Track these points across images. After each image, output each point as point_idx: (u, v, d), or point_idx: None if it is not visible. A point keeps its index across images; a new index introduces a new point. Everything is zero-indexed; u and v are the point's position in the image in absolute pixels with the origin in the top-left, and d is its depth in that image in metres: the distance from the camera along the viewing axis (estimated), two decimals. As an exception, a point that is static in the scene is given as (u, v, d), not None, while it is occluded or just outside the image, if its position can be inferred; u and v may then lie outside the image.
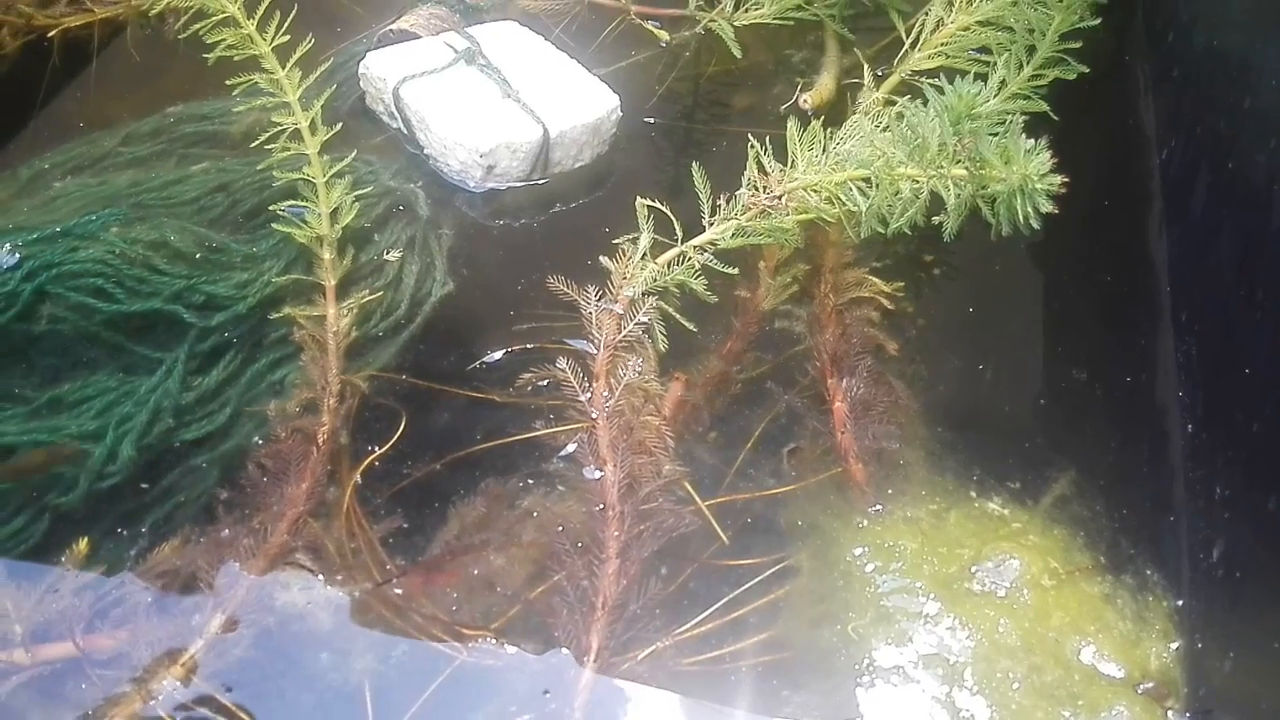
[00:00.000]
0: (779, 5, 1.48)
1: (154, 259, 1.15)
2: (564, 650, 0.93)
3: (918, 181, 1.06)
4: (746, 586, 0.99)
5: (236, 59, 1.22)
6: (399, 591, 0.98)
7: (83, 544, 1.00)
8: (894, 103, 1.21)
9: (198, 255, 1.17)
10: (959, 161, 1.02)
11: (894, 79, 1.39)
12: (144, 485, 1.06)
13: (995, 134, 1.07)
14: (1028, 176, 0.98)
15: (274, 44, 1.21)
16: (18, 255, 1.12)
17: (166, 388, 1.11)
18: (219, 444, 1.10)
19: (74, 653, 0.93)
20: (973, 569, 0.97)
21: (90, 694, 0.91)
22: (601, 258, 1.15)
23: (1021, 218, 0.99)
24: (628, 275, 1.13)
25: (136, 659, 0.92)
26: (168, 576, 0.98)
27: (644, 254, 1.14)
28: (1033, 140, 1.01)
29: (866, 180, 1.11)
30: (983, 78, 1.16)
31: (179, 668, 0.92)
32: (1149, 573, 1.00)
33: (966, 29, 1.38)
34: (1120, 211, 1.35)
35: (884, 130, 1.15)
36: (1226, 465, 0.98)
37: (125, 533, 1.03)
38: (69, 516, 1.03)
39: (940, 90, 1.10)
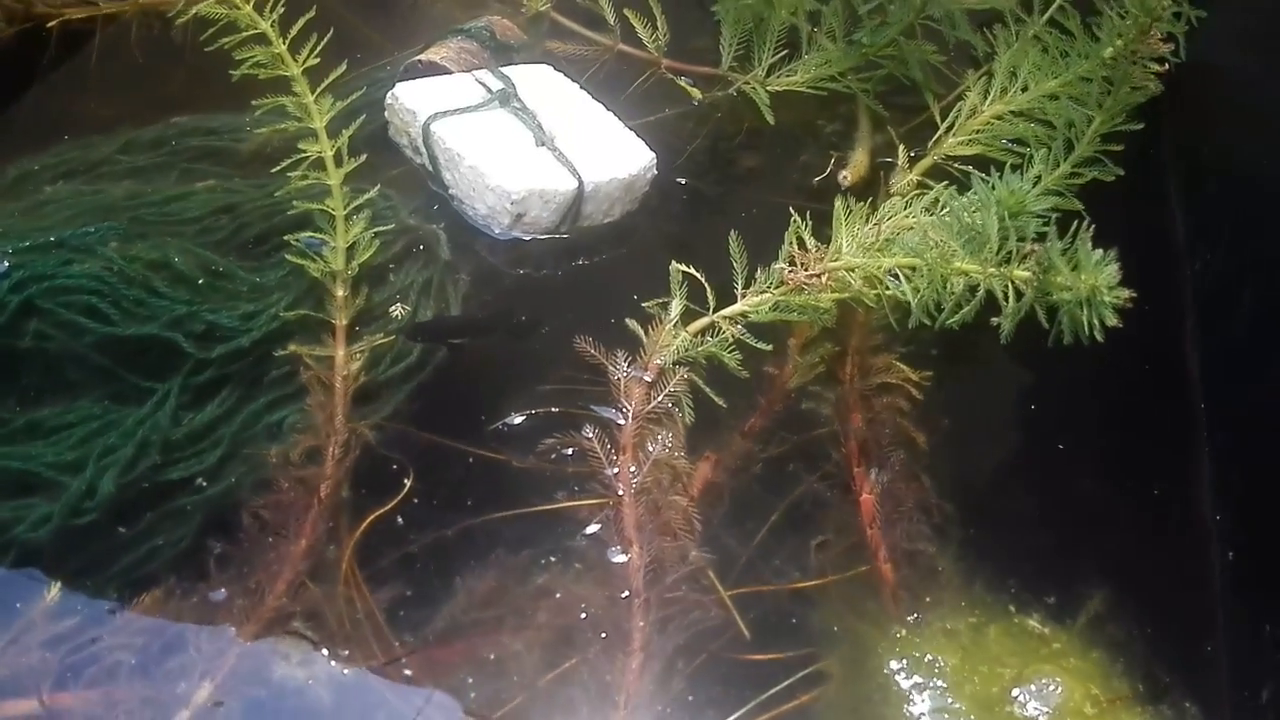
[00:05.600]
0: (812, 75, 1.45)
1: (154, 280, 1.07)
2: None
3: (974, 278, 1.02)
4: (773, 691, 0.93)
5: (260, 77, 1.14)
6: (407, 672, 0.91)
7: (54, 589, 0.92)
8: (928, 186, 1.18)
9: (201, 281, 1.09)
10: (1024, 263, 0.99)
11: (927, 161, 1.37)
12: (120, 528, 0.98)
13: (1042, 233, 1.04)
14: (1097, 288, 0.94)
15: (304, 66, 1.14)
16: (6, 263, 1.04)
17: (156, 420, 1.03)
18: (207, 487, 1.02)
19: (37, 711, 0.84)
20: (1014, 692, 0.93)
21: (55, 763, 0.82)
22: (628, 320, 1.09)
23: (1086, 329, 0.96)
24: (661, 343, 1.08)
25: (112, 727, 0.84)
26: (150, 634, 0.90)
27: (676, 321, 1.09)
28: (1100, 250, 0.98)
29: (913, 269, 1.07)
30: (1017, 169, 1.13)
31: (160, 741, 0.83)
32: (1187, 705, 0.96)
33: (1001, 118, 1.36)
34: (1153, 318, 1.32)
35: (929, 216, 1.12)
36: (1273, 602, 0.95)
37: (100, 579, 0.95)
38: (37, 555, 0.95)
39: (986, 180, 1.07)
